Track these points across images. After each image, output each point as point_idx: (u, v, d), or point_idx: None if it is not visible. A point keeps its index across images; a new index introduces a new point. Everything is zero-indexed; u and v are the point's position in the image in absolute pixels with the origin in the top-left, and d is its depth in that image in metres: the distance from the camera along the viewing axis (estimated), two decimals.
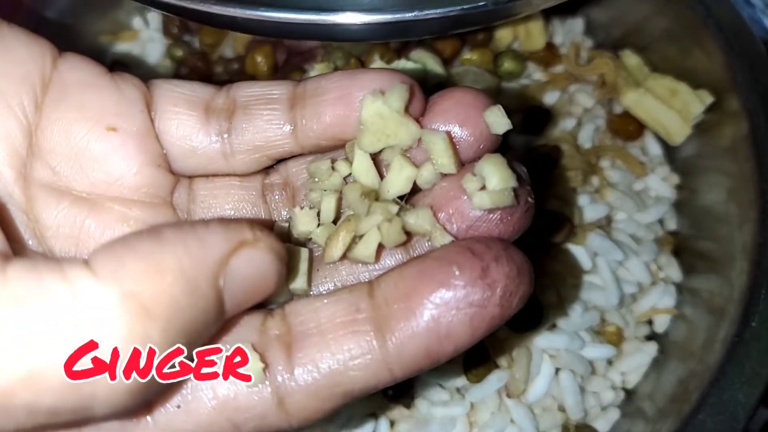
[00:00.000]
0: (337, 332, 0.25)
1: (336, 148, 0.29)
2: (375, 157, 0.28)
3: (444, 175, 0.28)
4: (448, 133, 0.27)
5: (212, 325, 0.23)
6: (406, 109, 0.27)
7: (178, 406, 0.24)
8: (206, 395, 0.24)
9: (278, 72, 0.55)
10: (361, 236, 0.27)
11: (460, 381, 0.46)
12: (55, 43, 0.29)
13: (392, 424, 0.46)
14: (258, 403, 0.24)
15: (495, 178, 0.25)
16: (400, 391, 0.46)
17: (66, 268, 0.20)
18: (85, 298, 0.19)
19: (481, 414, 0.46)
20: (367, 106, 0.27)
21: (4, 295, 0.19)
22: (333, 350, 0.24)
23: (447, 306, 0.24)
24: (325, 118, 0.28)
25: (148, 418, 0.24)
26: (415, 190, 0.28)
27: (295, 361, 0.25)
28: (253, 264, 0.23)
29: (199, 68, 0.57)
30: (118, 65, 0.58)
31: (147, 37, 0.61)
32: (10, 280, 0.19)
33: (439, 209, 0.27)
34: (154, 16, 0.61)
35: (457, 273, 0.24)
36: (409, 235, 0.27)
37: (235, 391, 0.24)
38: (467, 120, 0.27)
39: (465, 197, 0.26)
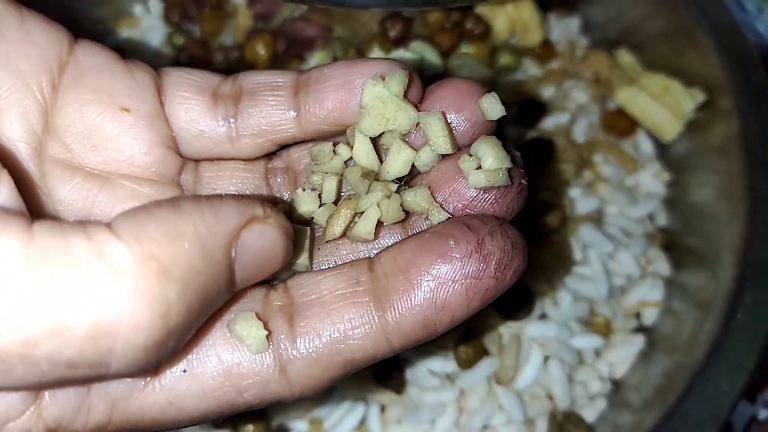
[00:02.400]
0: (337, 303, 0.26)
1: (337, 134, 0.30)
2: (375, 142, 0.29)
3: (441, 159, 0.29)
4: (444, 114, 0.28)
5: (223, 295, 0.24)
6: (405, 95, 0.28)
7: (184, 371, 0.25)
8: (211, 361, 0.25)
9: (278, 61, 0.56)
10: (360, 214, 0.28)
11: (451, 367, 0.47)
12: None
13: (383, 409, 0.47)
14: (261, 370, 0.25)
15: (490, 157, 0.26)
16: (391, 376, 0.47)
17: (89, 230, 0.21)
18: (108, 257, 0.20)
19: (471, 400, 0.47)
20: (368, 90, 0.28)
21: (32, 252, 0.20)
22: (334, 320, 0.26)
23: (444, 278, 0.25)
24: (327, 104, 0.29)
25: (155, 381, 0.25)
26: (414, 174, 0.29)
27: (297, 330, 0.26)
28: (263, 239, 0.24)
29: (198, 56, 0.57)
30: (119, 52, 0.58)
31: (148, 25, 0.61)
32: (37, 238, 0.20)
33: (436, 189, 0.28)
34: (156, 4, 0.61)
35: (453, 246, 0.25)
36: (407, 214, 0.28)
37: (240, 357, 0.25)
38: (463, 106, 0.28)
39: (461, 178, 0.28)
